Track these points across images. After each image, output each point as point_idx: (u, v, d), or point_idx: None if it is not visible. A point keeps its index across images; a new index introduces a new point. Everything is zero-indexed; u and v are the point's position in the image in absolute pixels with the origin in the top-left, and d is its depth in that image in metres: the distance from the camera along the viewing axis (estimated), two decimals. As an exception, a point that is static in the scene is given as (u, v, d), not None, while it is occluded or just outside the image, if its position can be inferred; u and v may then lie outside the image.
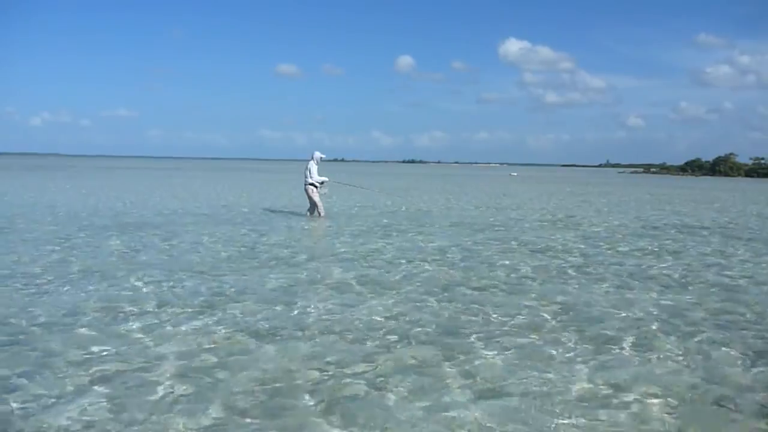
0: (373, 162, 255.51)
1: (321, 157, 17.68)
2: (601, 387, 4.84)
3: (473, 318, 6.84)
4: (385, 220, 17.39)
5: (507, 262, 10.56)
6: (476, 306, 7.38)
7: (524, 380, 4.95)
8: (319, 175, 17.36)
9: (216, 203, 22.47)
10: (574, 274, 9.65)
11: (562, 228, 16.30)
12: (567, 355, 5.61)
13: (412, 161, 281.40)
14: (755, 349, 5.88)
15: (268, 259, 10.41)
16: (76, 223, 14.93)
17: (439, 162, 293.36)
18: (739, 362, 5.50)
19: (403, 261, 10.50)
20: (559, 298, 7.86)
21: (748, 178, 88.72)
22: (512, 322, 6.71)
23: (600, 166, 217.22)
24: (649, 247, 12.80)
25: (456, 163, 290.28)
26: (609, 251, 12.18)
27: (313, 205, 17.57)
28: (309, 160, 17.57)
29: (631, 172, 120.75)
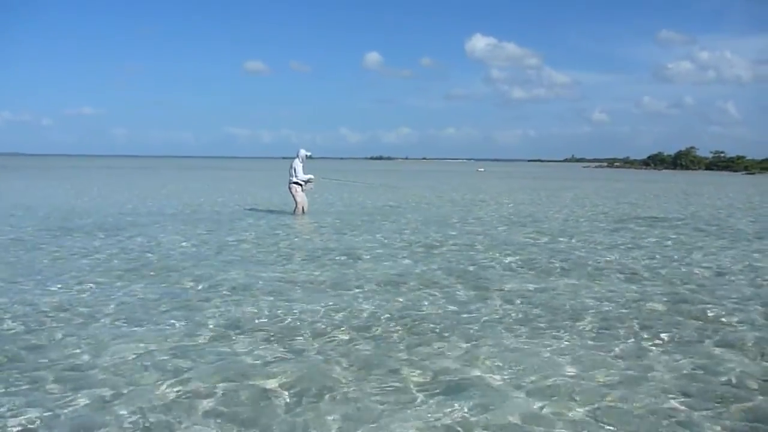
0: (341, 159, 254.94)
1: (306, 155, 17.57)
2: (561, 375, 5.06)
3: (436, 311, 7.04)
4: (365, 217, 17.50)
5: (472, 257, 10.77)
6: (436, 298, 7.58)
7: (488, 371, 5.15)
8: (305, 173, 17.31)
9: (182, 202, 22.33)
10: (537, 266, 9.90)
11: (524, 223, 16.59)
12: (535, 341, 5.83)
13: (380, 158, 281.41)
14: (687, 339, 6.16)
15: (242, 257, 10.46)
16: (30, 223, 14.76)
17: (406, 158, 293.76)
18: (671, 349, 5.77)
19: (385, 254, 10.65)
20: (522, 290, 8.08)
21: (708, 171, 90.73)
22: (480, 315, 6.92)
23: (566, 160, 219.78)
24: (612, 240, 13.12)
25: (424, 159, 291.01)
26: (572, 244, 12.46)
27: (299, 203, 17.49)
28: (294, 158, 17.44)
29: (596, 167, 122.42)
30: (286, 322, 6.51)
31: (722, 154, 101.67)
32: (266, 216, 17.50)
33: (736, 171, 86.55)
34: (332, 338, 5.97)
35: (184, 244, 11.99)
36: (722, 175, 76.90)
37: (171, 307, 7.04)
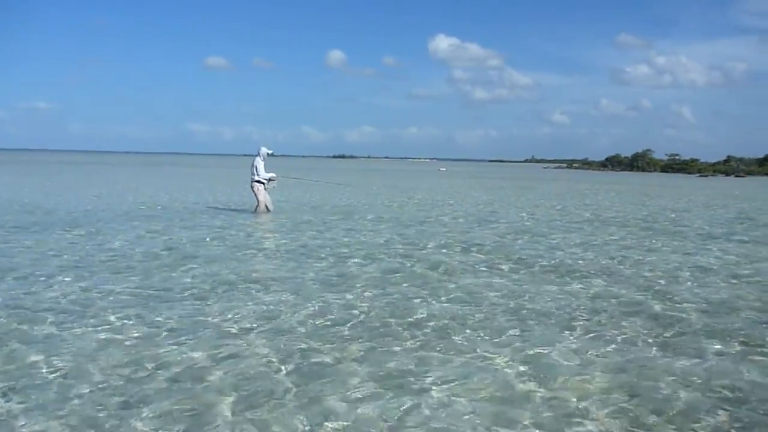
0: (303, 157, 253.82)
1: (268, 153, 17.42)
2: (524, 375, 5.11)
3: (399, 311, 7.04)
4: (331, 217, 17.43)
5: (431, 256, 10.82)
6: (402, 298, 7.59)
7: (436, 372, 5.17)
8: (266, 171, 17.16)
9: (137, 199, 21.95)
10: (493, 266, 9.99)
11: (484, 222, 16.73)
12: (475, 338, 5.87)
13: (342, 156, 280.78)
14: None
15: (196, 255, 10.32)
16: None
17: (369, 157, 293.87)
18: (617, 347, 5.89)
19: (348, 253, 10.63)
20: (479, 289, 8.15)
21: (664, 173, 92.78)
22: (430, 313, 6.95)
23: (526, 161, 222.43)
24: (569, 240, 13.32)
25: (386, 158, 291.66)
26: (530, 243, 12.61)
27: (260, 202, 17.32)
28: (255, 156, 17.28)
29: (555, 167, 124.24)
30: (238, 320, 6.44)
31: (677, 157, 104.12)
32: (225, 214, 17.31)
33: (690, 173, 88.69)
34: (278, 337, 5.92)
35: (137, 241, 11.78)
36: (677, 177, 78.76)
37: (122, 305, 6.90)
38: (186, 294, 7.57)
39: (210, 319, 6.49)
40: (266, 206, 17.32)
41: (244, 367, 5.09)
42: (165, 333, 5.96)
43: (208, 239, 12.25)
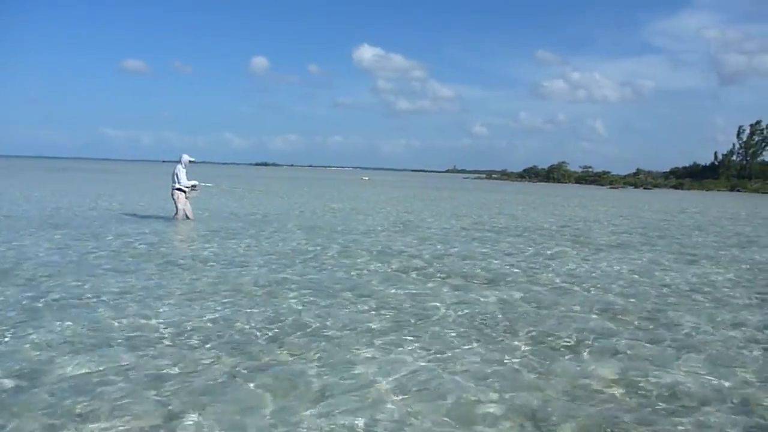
0: (224, 164, 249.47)
1: (189, 161, 17.15)
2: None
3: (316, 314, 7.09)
4: (242, 224, 17.20)
5: (347, 262, 10.90)
6: (317, 304, 7.64)
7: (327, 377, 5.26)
8: (188, 178, 16.88)
9: (46, 205, 21.05)
10: (411, 273, 10.17)
11: (403, 230, 16.97)
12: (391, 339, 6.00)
13: (265, 164, 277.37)
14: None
15: (102, 265, 10.03)
16: None
17: (292, 165, 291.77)
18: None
19: (262, 262, 10.54)
20: (395, 297, 8.29)
21: (578, 185, 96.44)
22: (340, 320, 7.03)
23: (447, 171, 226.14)
24: (486, 249, 13.69)
25: (310, 166, 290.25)
26: (448, 253, 12.89)
27: (179, 210, 16.94)
28: (177, 163, 16.97)
29: (475, 178, 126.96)
30: (147, 329, 6.34)
31: (590, 169, 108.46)
32: (141, 222, 16.85)
33: (602, 185, 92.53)
34: (184, 347, 5.87)
35: (42, 250, 11.33)
36: (590, 188, 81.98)
37: (18, 314, 6.65)
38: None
39: (149, 327, 6.35)
40: (186, 214, 16.97)
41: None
42: None
43: (115, 248, 11.91)
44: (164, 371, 5.11)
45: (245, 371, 5.18)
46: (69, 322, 6.40)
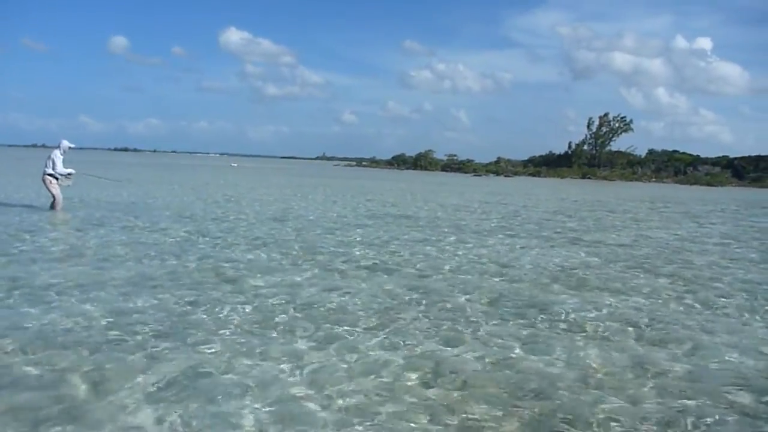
0: (81, 149, 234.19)
1: (69, 147, 16.31)
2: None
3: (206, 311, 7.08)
4: (123, 214, 16.45)
5: (230, 254, 10.85)
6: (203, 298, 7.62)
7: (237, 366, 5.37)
8: (65, 166, 16.00)
9: None
10: (287, 262, 10.32)
11: (279, 219, 16.99)
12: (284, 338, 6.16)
13: (126, 149, 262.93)
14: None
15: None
16: None
17: (155, 151, 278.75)
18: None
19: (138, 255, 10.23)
20: (268, 285, 8.42)
21: (443, 172, 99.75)
22: (234, 313, 7.09)
23: (317, 158, 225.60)
24: (364, 237, 14.04)
25: (173, 152, 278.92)
26: (326, 240, 13.11)
27: (56, 196, 16.08)
28: (54, 149, 16.18)
29: (345, 165, 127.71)
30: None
31: (455, 157, 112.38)
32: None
33: (466, 173, 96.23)
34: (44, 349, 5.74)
35: None
36: (455, 176, 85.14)
37: None
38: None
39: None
40: (55, 204, 16.11)
41: None
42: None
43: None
44: None
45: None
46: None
